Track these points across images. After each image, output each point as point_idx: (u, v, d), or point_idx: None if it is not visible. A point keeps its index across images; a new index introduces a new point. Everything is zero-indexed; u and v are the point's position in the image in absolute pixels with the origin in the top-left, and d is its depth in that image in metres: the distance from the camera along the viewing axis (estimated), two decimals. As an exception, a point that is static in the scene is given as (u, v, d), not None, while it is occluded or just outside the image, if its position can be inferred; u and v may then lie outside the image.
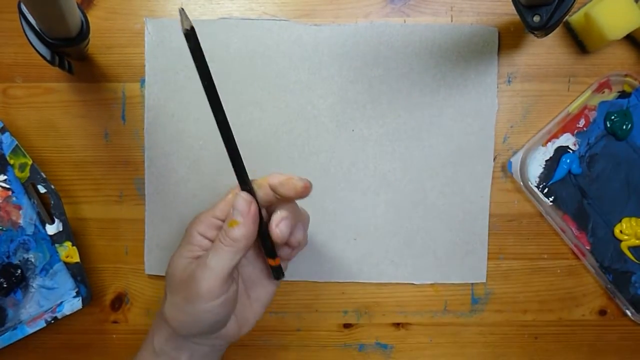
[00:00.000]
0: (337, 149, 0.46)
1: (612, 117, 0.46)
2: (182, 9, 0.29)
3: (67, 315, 0.45)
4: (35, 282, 0.46)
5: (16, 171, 0.45)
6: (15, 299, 0.46)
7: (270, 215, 0.36)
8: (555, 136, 0.46)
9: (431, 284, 0.47)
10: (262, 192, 0.35)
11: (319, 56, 0.46)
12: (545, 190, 0.46)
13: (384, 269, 0.47)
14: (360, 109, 0.46)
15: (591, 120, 0.46)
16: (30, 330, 0.44)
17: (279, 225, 0.34)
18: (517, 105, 0.47)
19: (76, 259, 0.45)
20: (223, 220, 0.36)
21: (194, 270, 0.34)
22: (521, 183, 0.46)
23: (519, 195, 0.47)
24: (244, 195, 0.34)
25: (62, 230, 0.45)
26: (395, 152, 0.46)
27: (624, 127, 0.45)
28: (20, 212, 0.46)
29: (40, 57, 0.40)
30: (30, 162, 0.44)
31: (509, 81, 0.47)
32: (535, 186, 0.46)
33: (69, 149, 0.47)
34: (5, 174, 0.45)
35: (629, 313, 0.47)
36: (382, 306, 0.48)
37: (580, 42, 0.46)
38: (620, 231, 0.46)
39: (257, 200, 0.35)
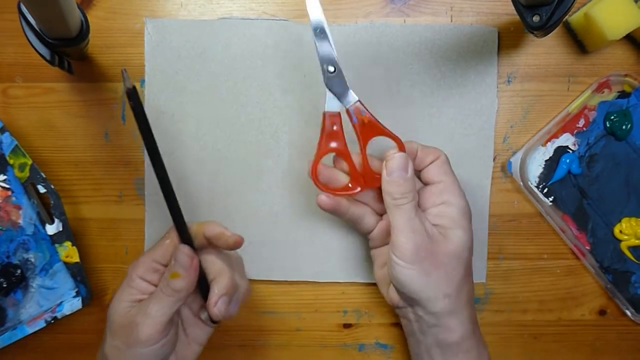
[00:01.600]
0: (337, 149, 0.46)
1: (612, 117, 0.46)
2: (124, 70, 0.33)
3: (67, 315, 0.45)
4: (35, 282, 0.46)
5: (16, 171, 0.45)
6: (15, 298, 0.46)
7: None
8: (555, 136, 0.46)
9: (431, 284, 0.47)
10: (198, 241, 0.37)
11: (318, 56, 0.46)
12: (545, 190, 0.46)
13: (384, 269, 0.47)
14: (360, 109, 0.46)
15: (591, 120, 0.46)
16: (30, 330, 0.44)
17: (217, 304, 0.36)
18: (516, 105, 0.47)
19: (76, 259, 0.45)
20: (162, 265, 0.38)
21: (135, 316, 0.35)
22: (521, 183, 0.46)
23: (519, 195, 0.47)
24: (186, 250, 0.36)
25: (62, 230, 0.45)
26: (395, 152, 0.46)
27: (624, 127, 0.45)
28: (20, 212, 0.46)
29: (40, 57, 0.40)
30: (30, 162, 0.44)
31: (508, 81, 0.47)
32: (535, 186, 0.47)
33: (69, 149, 0.47)
34: (5, 174, 0.45)
35: (628, 313, 0.47)
36: (382, 306, 0.48)
37: (580, 42, 0.46)
38: (620, 231, 0.46)
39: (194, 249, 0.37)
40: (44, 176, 0.45)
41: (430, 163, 0.41)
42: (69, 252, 0.45)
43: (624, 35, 0.43)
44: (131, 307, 0.36)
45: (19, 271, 0.45)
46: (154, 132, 0.47)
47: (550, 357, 0.48)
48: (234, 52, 0.46)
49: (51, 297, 0.46)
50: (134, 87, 0.33)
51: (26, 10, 0.38)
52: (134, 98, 0.33)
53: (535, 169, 0.47)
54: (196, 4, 0.47)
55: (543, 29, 0.37)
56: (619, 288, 0.46)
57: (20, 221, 0.46)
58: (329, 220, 0.47)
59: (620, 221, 0.46)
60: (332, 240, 0.47)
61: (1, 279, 0.45)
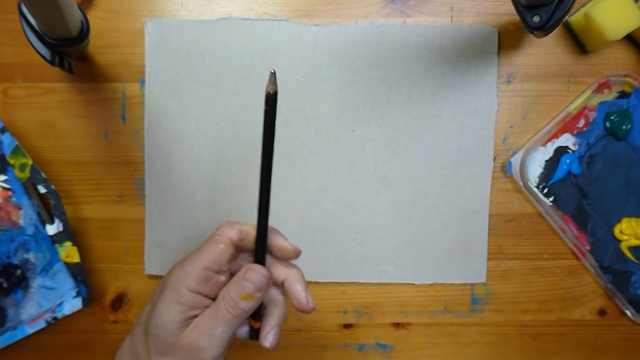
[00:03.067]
0: (337, 149, 0.46)
1: (612, 118, 0.46)
2: (274, 71, 0.29)
3: (67, 315, 0.45)
4: (36, 282, 0.46)
5: (16, 171, 0.45)
6: (15, 299, 0.46)
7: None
8: (555, 136, 0.46)
9: (431, 284, 0.47)
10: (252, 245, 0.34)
11: (318, 56, 0.46)
12: (545, 191, 0.47)
13: (384, 269, 0.47)
14: (360, 109, 0.46)
15: (591, 120, 0.46)
16: (30, 330, 0.44)
17: (268, 337, 0.35)
18: (516, 105, 0.47)
19: (76, 259, 0.45)
20: (215, 271, 0.33)
21: (196, 339, 0.32)
22: (521, 183, 0.46)
23: (519, 195, 0.47)
24: (263, 271, 0.33)
25: (62, 231, 0.45)
26: (395, 152, 0.46)
27: (624, 127, 0.45)
28: (21, 212, 0.46)
29: (40, 57, 0.40)
30: (30, 162, 0.44)
31: (508, 81, 0.47)
32: (535, 186, 0.47)
33: (69, 149, 0.47)
34: (5, 174, 0.45)
35: (628, 313, 0.47)
36: (382, 306, 0.48)
37: (580, 43, 0.46)
38: (620, 231, 0.46)
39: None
40: (44, 176, 0.45)
41: None
42: (69, 252, 0.45)
43: (624, 35, 0.43)
44: (183, 325, 0.33)
45: (19, 271, 0.45)
46: (154, 132, 0.47)
47: (551, 357, 0.48)
48: (234, 52, 0.46)
49: (51, 297, 0.46)
50: (275, 93, 0.30)
51: (27, 11, 0.38)
52: (270, 103, 0.30)
53: (535, 169, 0.47)
54: (196, 4, 0.47)
55: (543, 29, 0.38)
56: (619, 288, 0.46)
57: (21, 221, 0.46)
58: (329, 220, 0.47)
59: (620, 221, 0.46)
60: (332, 240, 0.47)
61: (1, 279, 0.45)
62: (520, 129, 0.47)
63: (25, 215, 0.46)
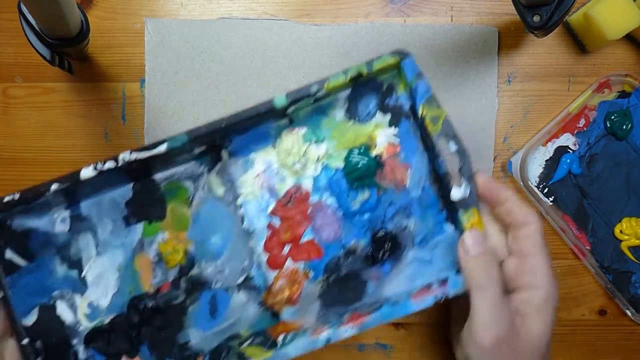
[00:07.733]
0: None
1: (612, 117, 0.46)
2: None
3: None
4: (410, 254, 0.38)
5: (428, 123, 0.37)
6: (380, 271, 0.38)
7: None
8: (555, 136, 0.46)
9: (431, 283, 0.47)
10: None
11: (319, 56, 0.46)
12: (545, 190, 0.46)
13: (385, 268, 0.47)
14: (360, 109, 0.46)
15: (591, 120, 0.46)
16: (414, 308, 0.36)
17: None
18: (517, 105, 0.47)
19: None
20: None
21: None
22: (521, 183, 0.46)
23: (519, 195, 0.47)
24: None
25: (468, 197, 0.35)
26: (395, 152, 0.46)
27: (624, 127, 0.45)
28: (409, 171, 0.38)
29: (40, 57, 0.40)
30: (443, 115, 0.36)
31: (509, 81, 0.47)
32: (535, 186, 0.47)
33: (69, 149, 0.47)
34: (397, 127, 0.39)
35: (629, 313, 0.47)
36: (382, 306, 0.48)
37: (580, 42, 0.46)
38: (620, 231, 0.46)
39: None
40: (455, 132, 0.37)
41: (521, 228, 0.35)
42: (474, 220, 0.35)
43: (624, 35, 0.43)
44: None
45: (392, 240, 0.39)
46: (154, 131, 0.47)
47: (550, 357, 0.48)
48: (234, 52, 0.46)
49: (427, 273, 0.38)
50: None
51: (26, 10, 0.38)
52: None
53: (535, 169, 0.47)
54: (196, 3, 0.47)
55: (543, 29, 0.38)
56: (619, 288, 0.46)
57: (407, 182, 0.38)
58: (329, 220, 0.47)
59: (620, 221, 0.46)
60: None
61: (373, 247, 0.38)
62: (520, 129, 0.47)
63: (413, 175, 0.38)
